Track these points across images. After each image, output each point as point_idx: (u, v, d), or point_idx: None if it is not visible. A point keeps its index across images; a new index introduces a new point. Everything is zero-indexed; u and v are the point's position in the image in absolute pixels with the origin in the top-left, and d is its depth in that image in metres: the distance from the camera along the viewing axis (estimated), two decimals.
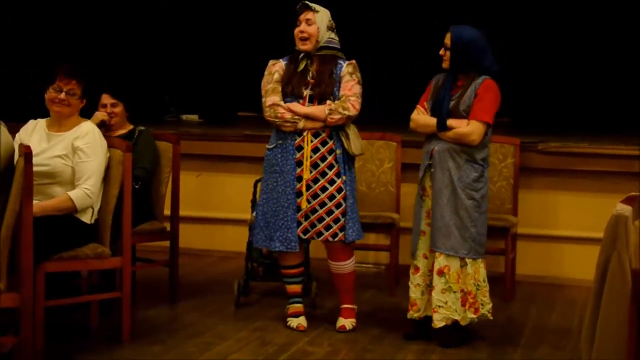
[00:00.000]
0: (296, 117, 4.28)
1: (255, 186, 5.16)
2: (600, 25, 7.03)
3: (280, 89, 4.34)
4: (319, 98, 4.31)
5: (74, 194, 3.98)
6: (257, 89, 8.05)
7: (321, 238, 4.33)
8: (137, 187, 4.54)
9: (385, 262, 5.74)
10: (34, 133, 4.14)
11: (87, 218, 4.05)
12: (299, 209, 4.30)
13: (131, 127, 4.93)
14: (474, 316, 4.16)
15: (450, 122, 4.11)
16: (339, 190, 4.31)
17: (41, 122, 4.20)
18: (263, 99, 4.38)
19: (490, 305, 4.22)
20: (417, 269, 4.26)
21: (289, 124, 4.30)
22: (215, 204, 6.27)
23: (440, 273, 4.13)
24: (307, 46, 4.31)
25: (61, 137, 4.10)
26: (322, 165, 4.30)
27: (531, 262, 5.62)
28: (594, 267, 3.11)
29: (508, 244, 5.13)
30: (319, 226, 4.31)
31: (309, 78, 4.33)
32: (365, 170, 5.41)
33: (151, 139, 4.88)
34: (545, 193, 5.64)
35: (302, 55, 4.34)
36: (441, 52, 4.18)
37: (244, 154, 6.14)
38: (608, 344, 2.96)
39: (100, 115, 4.83)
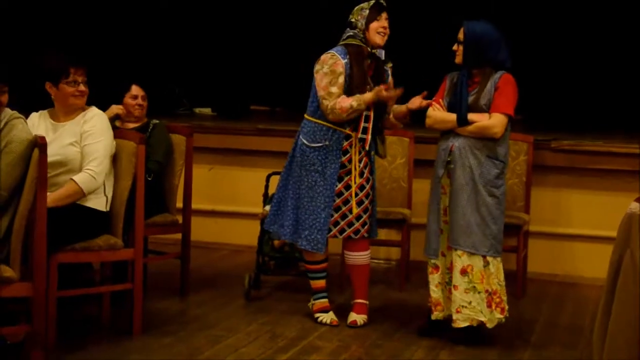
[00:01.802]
0: (353, 102, 4.21)
1: (267, 180, 5.17)
2: (615, 23, 6.99)
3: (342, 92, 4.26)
4: (377, 106, 4.31)
5: (79, 177, 3.99)
6: (270, 82, 8.09)
7: (358, 235, 4.37)
8: (149, 179, 4.56)
9: (395, 258, 5.74)
10: (39, 126, 4.16)
11: (101, 206, 4.07)
12: (336, 209, 4.31)
13: (145, 119, 4.95)
14: (501, 316, 4.12)
15: (472, 116, 4.09)
16: (372, 188, 4.41)
17: (44, 114, 4.23)
18: (327, 102, 4.23)
19: (506, 306, 4.19)
20: (436, 268, 4.22)
21: (354, 114, 4.23)
22: (227, 198, 6.29)
23: (464, 272, 4.09)
24: (382, 41, 4.31)
25: (67, 125, 4.12)
26: (360, 165, 4.34)
27: (543, 260, 5.60)
28: (606, 266, 3.10)
29: (520, 242, 5.11)
30: (357, 224, 4.34)
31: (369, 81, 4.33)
32: (377, 165, 5.35)
33: (165, 132, 4.90)
34: (558, 191, 5.63)
35: (371, 52, 4.31)
36: (454, 47, 4.17)
37: (256, 147, 6.15)
38: (620, 343, 2.95)
39: (115, 108, 4.85)
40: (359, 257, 4.45)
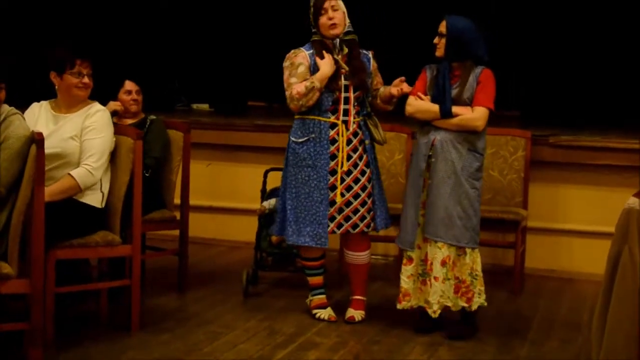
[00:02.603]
0: (306, 83, 4.20)
1: (265, 176, 5.16)
2: (613, 17, 6.99)
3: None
4: (356, 87, 4.30)
5: (76, 172, 3.98)
6: (267, 78, 8.08)
7: (356, 230, 4.34)
8: (147, 175, 4.55)
9: (394, 254, 5.73)
10: (40, 116, 4.15)
11: (97, 202, 4.05)
12: (332, 203, 4.28)
13: (143, 115, 4.94)
14: (466, 305, 4.16)
15: (455, 109, 4.12)
16: (369, 180, 4.36)
17: (45, 105, 4.21)
18: (287, 92, 4.25)
19: (485, 295, 4.22)
20: (410, 260, 4.25)
21: (310, 94, 4.19)
22: (225, 194, 6.28)
23: (444, 264, 4.13)
24: (337, 30, 4.25)
25: (69, 117, 4.11)
26: (354, 156, 4.31)
27: (540, 256, 5.60)
28: (603, 262, 3.10)
29: (518, 237, 5.12)
30: (354, 218, 4.32)
31: (341, 67, 4.28)
32: None
33: (163, 128, 4.89)
34: (556, 186, 5.62)
35: (332, 43, 4.28)
36: (435, 40, 4.19)
37: (254, 143, 6.14)
38: (618, 339, 2.95)
39: (113, 105, 4.84)
40: (359, 256, 4.44)
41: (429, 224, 4.16)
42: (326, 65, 4.21)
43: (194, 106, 7.96)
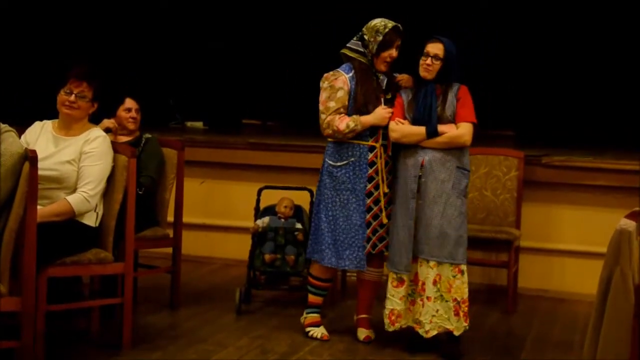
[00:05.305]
0: (350, 123, 4.21)
1: (259, 194, 5.16)
2: (607, 39, 7.04)
3: (342, 109, 4.24)
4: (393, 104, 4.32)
5: (72, 198, 3.96)
6: (262, 96, 8.11)
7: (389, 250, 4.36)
8: (140, 192, 4.55)
9: (386, 273, 5.72)
10: (40, 135, 4.12)
11: (91, 221, 4.04)
12: (367, 224, 4.28)
13: (138, 133, 4.94)
14: (466, 324, 4.16)
15: (440, 127, 4.15)
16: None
17: (48, 124, 4.17)
18: (324, 116, 4.24)
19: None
20: (402, 281, 4.24)
21: (350, 134, 4.22)
22: (219, 211, 6.28)
23: (435, 283, 4.14)
24: (387, 69, 4.30)
25: (69, 141, 4.08)
26: (389, 178, 4.32)
27: (533, 276, 5.60)
28: (596, 282, 3.10)
29: (511, 257, 5.12)
30: (388, 238, 4.32)
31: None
32: None
33: (158, 146, 4.89)
34: (549, 206, 5.64)
35: (375, 72, 4.30)
36: (428, 62, 4.17)
37: (248, 161, 6.15)
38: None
39: (107, 122, 4.83)
40: (376, 273, 4.43)
41: (423, 244, 4.16)
42: (378, 118, 4.22)
43: (188, 124, 7.97)
